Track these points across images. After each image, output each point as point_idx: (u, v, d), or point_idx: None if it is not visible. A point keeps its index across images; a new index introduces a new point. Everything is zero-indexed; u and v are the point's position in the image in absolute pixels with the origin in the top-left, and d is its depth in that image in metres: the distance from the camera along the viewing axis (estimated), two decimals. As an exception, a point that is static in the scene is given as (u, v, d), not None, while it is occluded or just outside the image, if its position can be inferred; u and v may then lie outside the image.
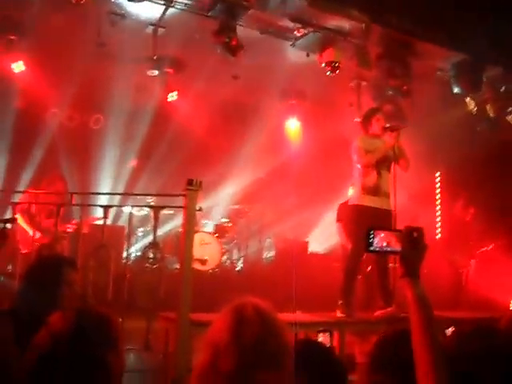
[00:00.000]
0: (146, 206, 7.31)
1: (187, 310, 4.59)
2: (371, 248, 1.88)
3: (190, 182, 4.64)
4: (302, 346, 2.53)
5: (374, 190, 5.97)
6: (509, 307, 7.30)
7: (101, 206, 5.21)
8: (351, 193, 6.34)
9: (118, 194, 7.26)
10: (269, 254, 10.24)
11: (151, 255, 5.46)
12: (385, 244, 1.86)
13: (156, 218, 5.18)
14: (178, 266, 6.84)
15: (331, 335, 2.94)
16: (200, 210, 4.84)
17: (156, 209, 5.31)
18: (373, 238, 1.86)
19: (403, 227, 1.86)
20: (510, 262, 8.43)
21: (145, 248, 5.56)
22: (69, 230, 6.98)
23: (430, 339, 1.64)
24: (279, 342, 1.72)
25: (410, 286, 1.76)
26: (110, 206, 5.27)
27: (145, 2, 6.56)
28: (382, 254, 1.90)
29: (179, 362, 4.48)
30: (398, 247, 1.84)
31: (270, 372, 1.64)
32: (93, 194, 7.09)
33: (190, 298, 4.59)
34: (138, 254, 8.41)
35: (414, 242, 1.81)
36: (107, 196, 7.39)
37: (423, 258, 1.83)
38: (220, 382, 1.62)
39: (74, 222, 6.92)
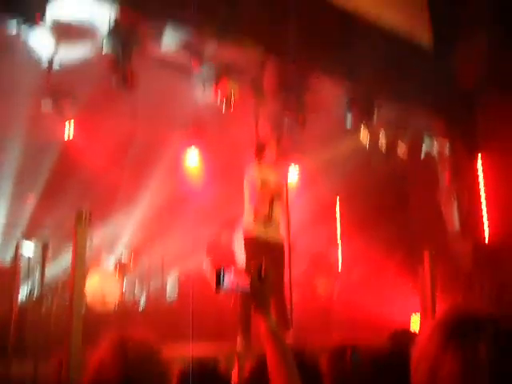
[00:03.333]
0: (32, 243, 6.97)
1: (78, 350, 4.42)
2: (221, 288, 1.88)
3: (79, 215, 4.49)
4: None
5: (265, 221, 6.05)
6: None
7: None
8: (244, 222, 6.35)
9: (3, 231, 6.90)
10: (173, 290, 10.07)
11: (40, 295, 5.22)
12: (235, 282, 1.88)
13: (44, 256, 4.99)
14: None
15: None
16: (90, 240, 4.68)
17: (45, 246, 5.12)
18: (222, 277, 1.87)
19: (251, 265, 1.90)
20: (374, 286, 8.86)
21: (33, 289, 5.31)
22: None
23: (284, 366, 1.67)
24: (161, 363, 1.77)
25: (263, 320, 1.79)
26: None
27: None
28: (233, 293, 1.91)
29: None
30: (247, 285, 1.85)
31: None
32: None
33: (80, 338, 4.42)
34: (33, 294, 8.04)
35: (261, 279, 1.84)
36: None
37: (272, 293, 1.88)
38: None
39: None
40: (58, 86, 7.65)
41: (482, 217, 9.20)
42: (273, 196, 6.08)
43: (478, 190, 9.26)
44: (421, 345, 1.26)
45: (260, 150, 6.33)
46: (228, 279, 1.86)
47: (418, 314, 8.35)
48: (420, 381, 1.22)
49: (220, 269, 1.88)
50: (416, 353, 1.26)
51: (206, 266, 8.06)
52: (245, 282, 1.86)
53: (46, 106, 7.71)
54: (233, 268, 1.90)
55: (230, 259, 8.21)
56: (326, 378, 2.64)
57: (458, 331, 1.22)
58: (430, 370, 1.20)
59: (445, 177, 9.39)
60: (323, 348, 5.70)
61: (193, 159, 10.23)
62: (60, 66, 7.10)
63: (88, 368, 1.80)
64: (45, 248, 5.13)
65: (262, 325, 1.78)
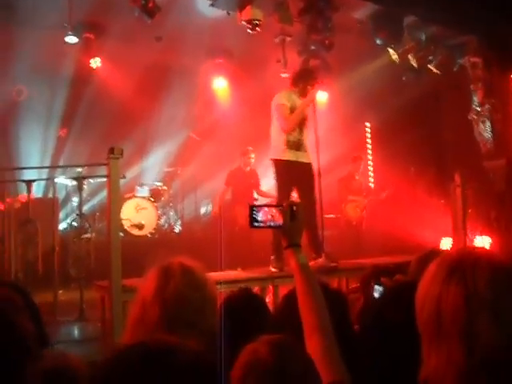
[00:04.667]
0: (69, 178, 7.16)
1: (118, 276, 4.64)
2: (255, 224, 1.95)
3: (111, 151, 4.62)
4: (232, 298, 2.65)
5: (297, 145, 6.11)
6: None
7: (22, 181, 5.15)
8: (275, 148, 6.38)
9: (38, 167, 7.05)
10: (206, 214, 10.31)
11: (77, 225, 5.44)
12: (268, 218, 1.94)
13: (80, 188, 5.16)
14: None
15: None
16: (123, 177, 4.83)
17: (80, 179, 5.29)
18: (256, 213, 1.94)
19: (284, 204, 1.95)
20: (406, 205, 8.83)
21: (72, 219, 5.52)
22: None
23: (313, 301, 1.76)
24: (202, 297, 1.82)
25: (293, 256, 1.87)
26: (32, 181, 5.20)
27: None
28: (266, 228, 1.96)
29: (116, 328, 4.55)
30: (280, 221, 1.92)
31: (191, 325, 1.73)
32: (14, 169, 6.91)
33: (120, 264, 4.63)
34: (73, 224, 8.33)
35: (293, 215, 1.91)
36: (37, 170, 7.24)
37: (303, 230, 1.96)
38: (147, 334, 1.71)
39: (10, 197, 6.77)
40: (82, 18, 7.60)
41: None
42: (302, 122, 6.12)
43: (512, 108, 9.06)
44: (425, 284, 1.35)
45: (299, 82, 6.23)
46: (261, 215, 1.94)
47: (449, 239, 8.43)
48: (426, 318, 1.32)
49: (253, 206, 1.95)
50: (421, 293, 1.35)
51: (225, 196, 8.34)
52: (277, 219, 1.93)
53: (71, 38, 7.70)
54: (265, 206, 1.97)
55: (251, 188, 8.40)
56: (357, 303, 2.75)
57: (458, 267, 1.30)
58: (435, 305, 1.29)
59: (477, 95, 9.18)
60: (353, 271, 5.89)
61: (222, 86, 10.19)
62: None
63: (144, 287, 1.86)
64: (80, 180, 5.30)
65: (292, 260, 1.87)
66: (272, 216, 1.94)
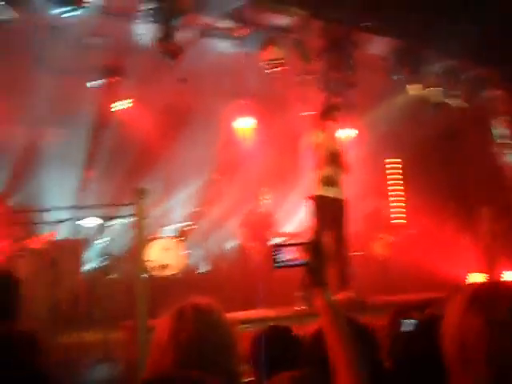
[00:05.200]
0: (95, 218, 7.19)
1: (144, 316, 4.62)
2: (277, 264, 1.94)
3: (138, 191, 4.67)
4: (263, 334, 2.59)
5: (330, 181, 6.18)
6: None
7: (49, 223, 5.20)
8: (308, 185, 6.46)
9: (64, 208, 7.09)
10: (233, 254, 10.25)
11: (102, 266, 5.46)
12: (291, 257, 1.92)
13: (105, 229, 5.19)
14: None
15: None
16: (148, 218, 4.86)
17: (106, 220, 5.33)
18: (278, 253, 1.92)
19: (308, 241, 1.93)
20: (434, 241, 8.69)
21: (97, 260, 5.55)
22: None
23: (342, 340, 1.72)
24: (218, 337, 1.77)
25: (320, 294, 1.83)
26: (58, 222, 5.26)
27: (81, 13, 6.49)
28: (288, 268, 1.94)
29: (141, 370, 4.50)
30: (303, 259, 1.90)
31: (208, 367, 1.69)
32: (40, 211, 6.96)
33: (146, 304, 4.62)
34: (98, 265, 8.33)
35: (317, 253, 1.88)
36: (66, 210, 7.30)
37: (327, 267, 1.91)
38: (163, 381, 1.69)
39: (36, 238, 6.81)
40: (106, 63, 7.77)
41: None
42: (334, 158, 6.19)
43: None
44: (448, 315, 1.37)
45: (321, 116, 6.37)
46: (283, 255, 1.92)
47: (477, 274, 8.28)
48: (450, 347, 1.33)
49: (275, 246, 1.93)
50: (445, 324, 1.37)
51: (244, 235, 8.33)
52: (301, 257, 1.90)
53: (95, 83, 7.86)
54: (287, 245, 1.96)
55: (265, 228, 8.39)
56: (384, 339, 2.69)
57: (478, 297, 1.33)
58: (458, 334, 1.31)
59: (501, 127, 9.12)
60: (381, 308, 5.78)
61: (245, 127, 10.30)
62: (105, 42, 7.24)
63: (158, 332, 1.84)
64: (106, 221, 5.34)
65: (319, 299, 1.83)
66: (294, 255, 1.91)
